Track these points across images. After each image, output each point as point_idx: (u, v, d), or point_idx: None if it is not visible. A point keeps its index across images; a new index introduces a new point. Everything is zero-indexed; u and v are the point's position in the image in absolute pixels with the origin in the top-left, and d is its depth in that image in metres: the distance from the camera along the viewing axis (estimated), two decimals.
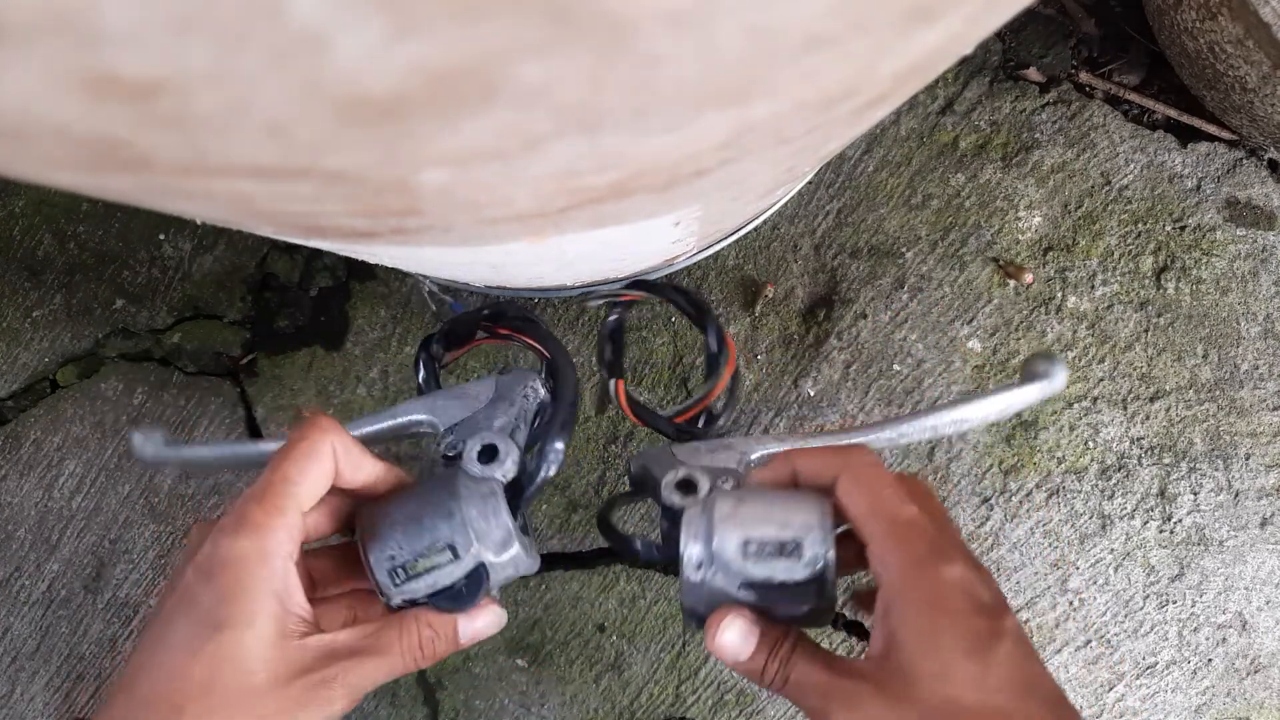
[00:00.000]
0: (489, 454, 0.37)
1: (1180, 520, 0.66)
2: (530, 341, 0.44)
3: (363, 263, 0.69)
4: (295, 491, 0.32)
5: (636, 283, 0.52)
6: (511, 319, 0.45)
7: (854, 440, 0.40)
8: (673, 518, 0.38)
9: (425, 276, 0.41)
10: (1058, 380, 0.40)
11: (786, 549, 0.34)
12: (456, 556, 0.34)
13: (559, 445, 0.38)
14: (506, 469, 0.37)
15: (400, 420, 0.41)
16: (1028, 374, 0.40)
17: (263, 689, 0.29)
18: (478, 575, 0.35)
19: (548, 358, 0.42)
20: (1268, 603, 0.66)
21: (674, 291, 0.51)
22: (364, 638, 0.33)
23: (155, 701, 0.29)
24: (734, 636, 0.33)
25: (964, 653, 0.29)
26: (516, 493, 0.38)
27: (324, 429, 0.34)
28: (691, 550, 0.36)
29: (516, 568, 0.36)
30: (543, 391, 0.42)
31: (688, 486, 0.38)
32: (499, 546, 0.35)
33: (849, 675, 0.31)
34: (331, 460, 0.34)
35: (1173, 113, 0.68)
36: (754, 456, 0.41)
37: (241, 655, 0.29)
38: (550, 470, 0.38)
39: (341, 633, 0.33)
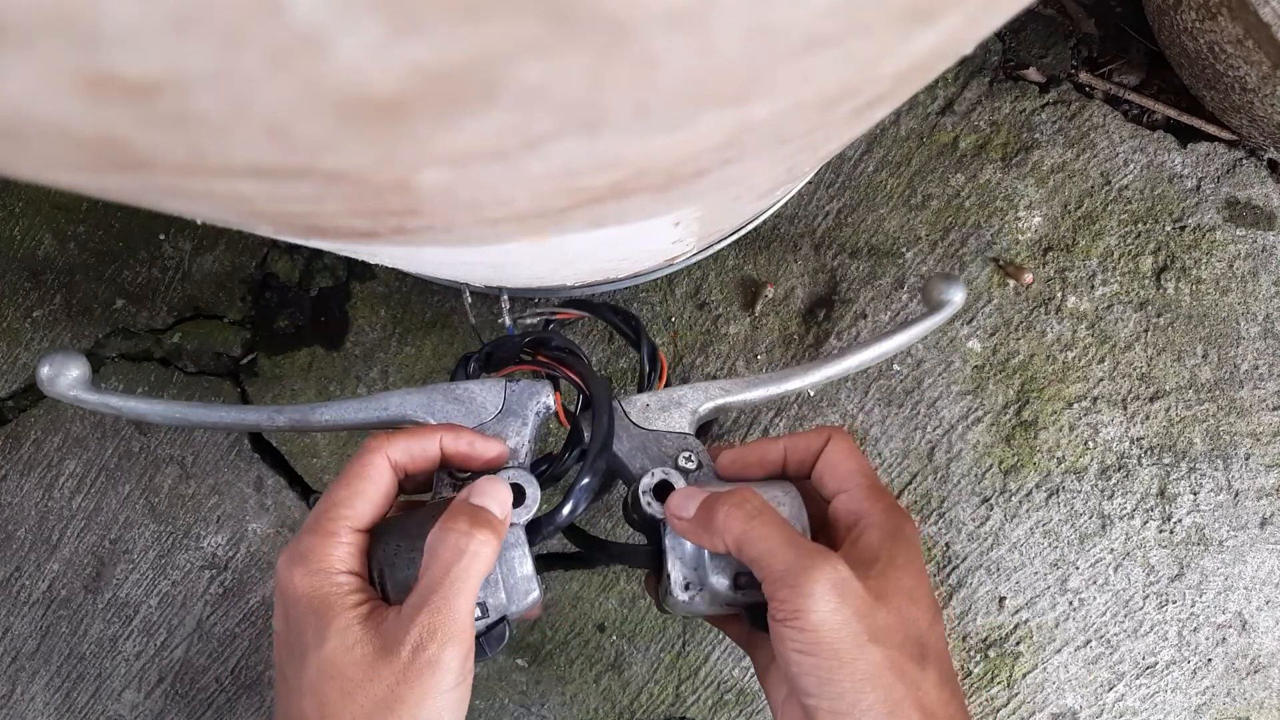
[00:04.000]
0: (517, 497, 0.36)
1: (1180, 520, 0.66)
2: (571, 375, 0.42)
3: (363, 263, 0.69)
4: (345, 514, 0.34)
5: (571, 301, 0.52)
6: (555, 349, 0.44)
7: (790, 385, 0.43)
8: (649, 522, 0.38)
9: (467, 285, 0.41)
10: (958, 301, 0.44)
11: None
12: (485, 615, 0.34)
13: (586, 482, 0.37)
14: (531, 511, 0.36)
15: (391, 414, 0.40)
16: (933, 303, 0.43)
17: (364, 675, 0.30)
18: (500, 630, 0.35)
19: (587, 394, 0.41)
20: (1267, 603, 0.66)
21: (608, 310, 0.50)
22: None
23: None
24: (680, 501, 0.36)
25: (924, 596, 0.33)
26: (534, 530, 0.37)
27: (371, 449, 0.36)
28: (677, 574, 0.36)
29: (530, 606, 0.36)
30: (551, 406, 0.41)
31: (664, 490, 0.38)
32: (522, 597, 0.35)
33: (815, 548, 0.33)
34: (385, 472, 0.35)
35: (1173, 113, 0.68)
36: (704, 409, 0.41)
37: (335, 666, 0.31)
38: (579, 509, 0.37)
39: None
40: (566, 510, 0.37)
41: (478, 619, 0.34)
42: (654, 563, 0.38)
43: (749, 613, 0.36)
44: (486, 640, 0.35)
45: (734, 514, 0.33)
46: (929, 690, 0.31)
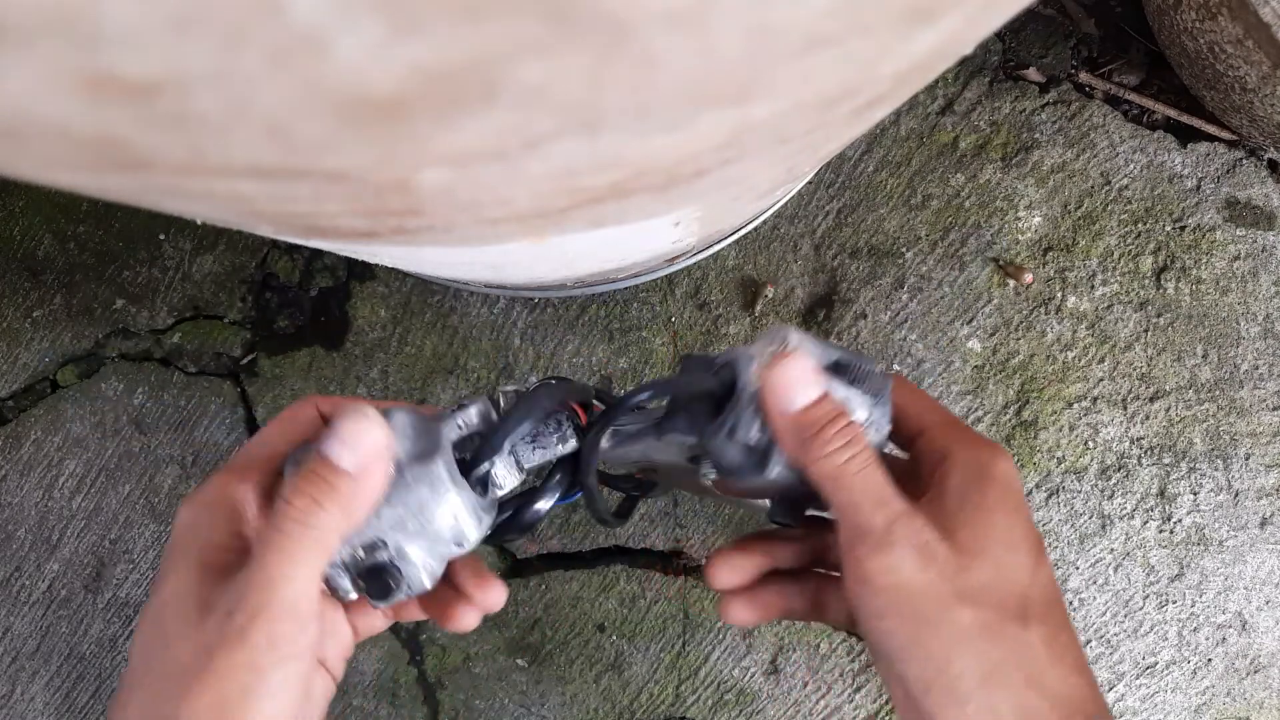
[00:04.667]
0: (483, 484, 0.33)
1: (1180, 520, 0.66)
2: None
3: (363, 263, 0.69)
4: (255, 453, 0.32)
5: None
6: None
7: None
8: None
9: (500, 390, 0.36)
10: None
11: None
12: (371, 555, 0.31)
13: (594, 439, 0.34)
14: (460, 431, 0.33)
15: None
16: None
17: (180, 631, 0.28)
18: (406, 576, 0.31)
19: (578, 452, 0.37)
20: (1267, 603, 0.66)
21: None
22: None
23: (132, 677, 0.29)
24: (797, 373, 0.29)
25: (1022, 539, 0.29)
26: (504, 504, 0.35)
27: (304, 399, 0.34)
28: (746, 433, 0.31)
29: (451, 556, 0.33)
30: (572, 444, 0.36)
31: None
32: (440, 544, 0.32)
33: (907, 501, 0.29)
34: (312, 418, 0.33)
35: (1173, 113, 0.68)
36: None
37: (160, 613, 0.28)
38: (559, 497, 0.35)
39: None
40: (542, 501, 0.34)
41: (370, 561, 0.30)
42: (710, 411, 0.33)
43: (782, 506, 0.33)
44: (374, 587, 0.30)
45: (842, 451, 0.29)
46: (1035, 650, 0.28)
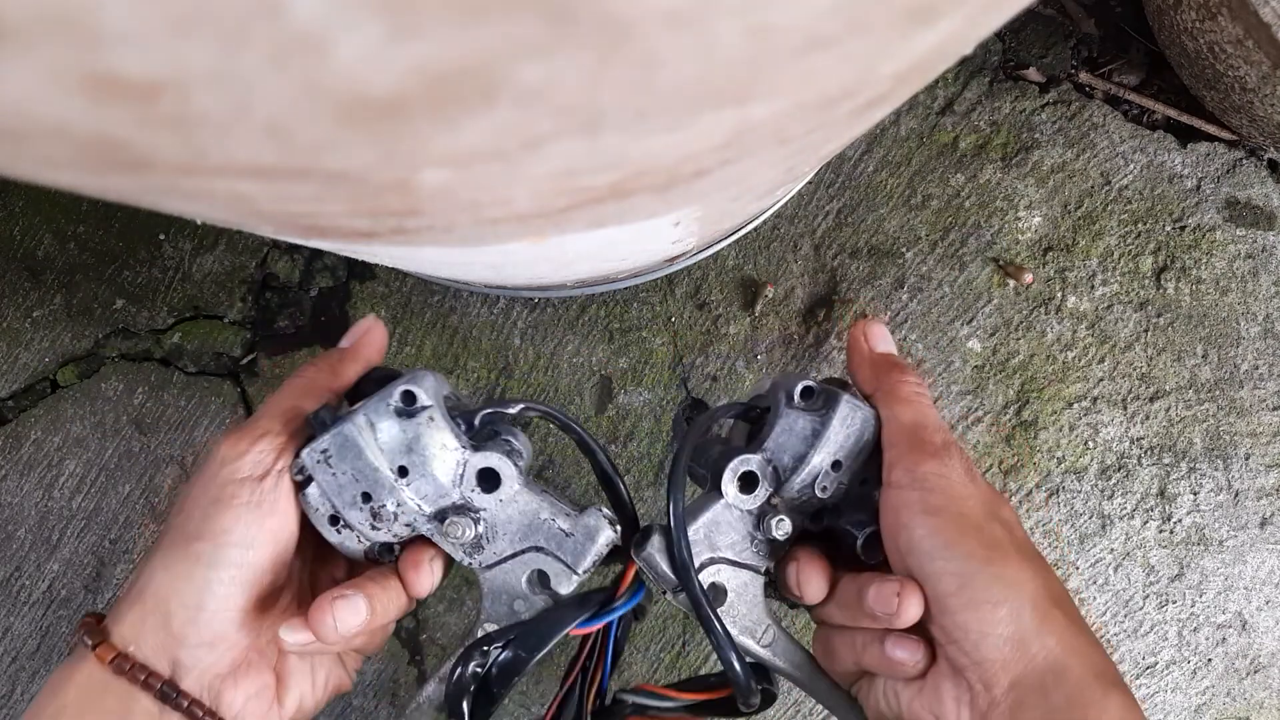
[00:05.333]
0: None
1: (1180, 520, 0.66)
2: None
3: (363, 263, 0.69)
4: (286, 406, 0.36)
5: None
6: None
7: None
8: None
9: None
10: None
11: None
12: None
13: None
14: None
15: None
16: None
17: (216, 468, 0.33)
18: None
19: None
20: (1267, 603, 0.66)
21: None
22: None
23: None
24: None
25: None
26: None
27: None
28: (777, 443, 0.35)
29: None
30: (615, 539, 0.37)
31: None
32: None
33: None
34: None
35: (1173, 113, 0.68)
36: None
37: (209, 466, 0.33)
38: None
39: None
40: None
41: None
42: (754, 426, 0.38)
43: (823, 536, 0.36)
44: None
45: (914, 384, 0.35)
46: (1046, 577, 0.32)
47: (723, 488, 0.35)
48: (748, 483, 0.35)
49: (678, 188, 0.25)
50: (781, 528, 0.34)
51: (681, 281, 0.68)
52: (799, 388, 0.36)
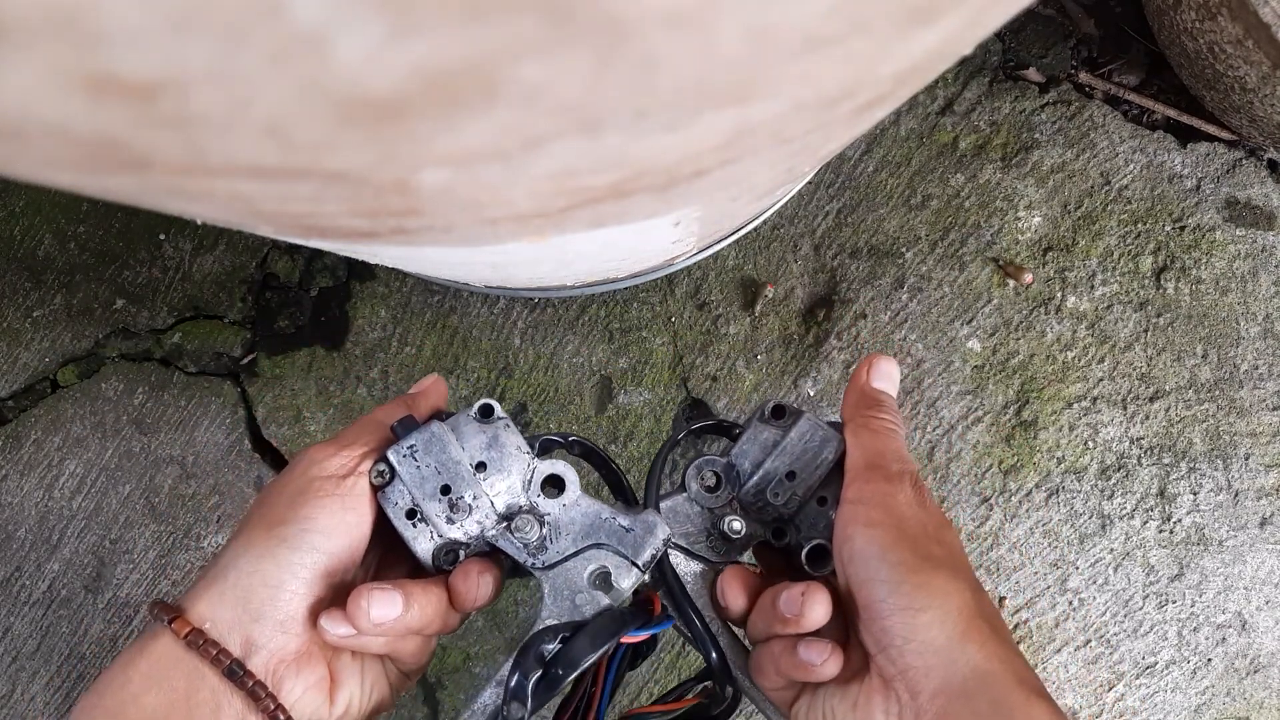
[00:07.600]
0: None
1: (1180, 520, 0.66)
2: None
3: (363, 263, 0.69)
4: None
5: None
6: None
7: None
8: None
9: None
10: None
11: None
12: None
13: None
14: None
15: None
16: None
17: (301, 470, 0.36)
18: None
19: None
20: (1267, 602, 0.66)
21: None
22: None
23: None
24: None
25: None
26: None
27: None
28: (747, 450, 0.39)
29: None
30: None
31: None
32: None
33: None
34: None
35: (1172, 113, 0.68)
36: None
37: (295, 465, 0.36)
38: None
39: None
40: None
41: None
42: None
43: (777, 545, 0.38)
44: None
45: (890, 421, 0.37)
46: (977, 595, 0.33)
47: (686, 482, 0.39)
48: (712, 483, 0.39)
49: (678, 188, 0.25)
50: (733, 525, 0.38)
51: (681, 281, 0.68)
52: (770, 406, 0.39)
